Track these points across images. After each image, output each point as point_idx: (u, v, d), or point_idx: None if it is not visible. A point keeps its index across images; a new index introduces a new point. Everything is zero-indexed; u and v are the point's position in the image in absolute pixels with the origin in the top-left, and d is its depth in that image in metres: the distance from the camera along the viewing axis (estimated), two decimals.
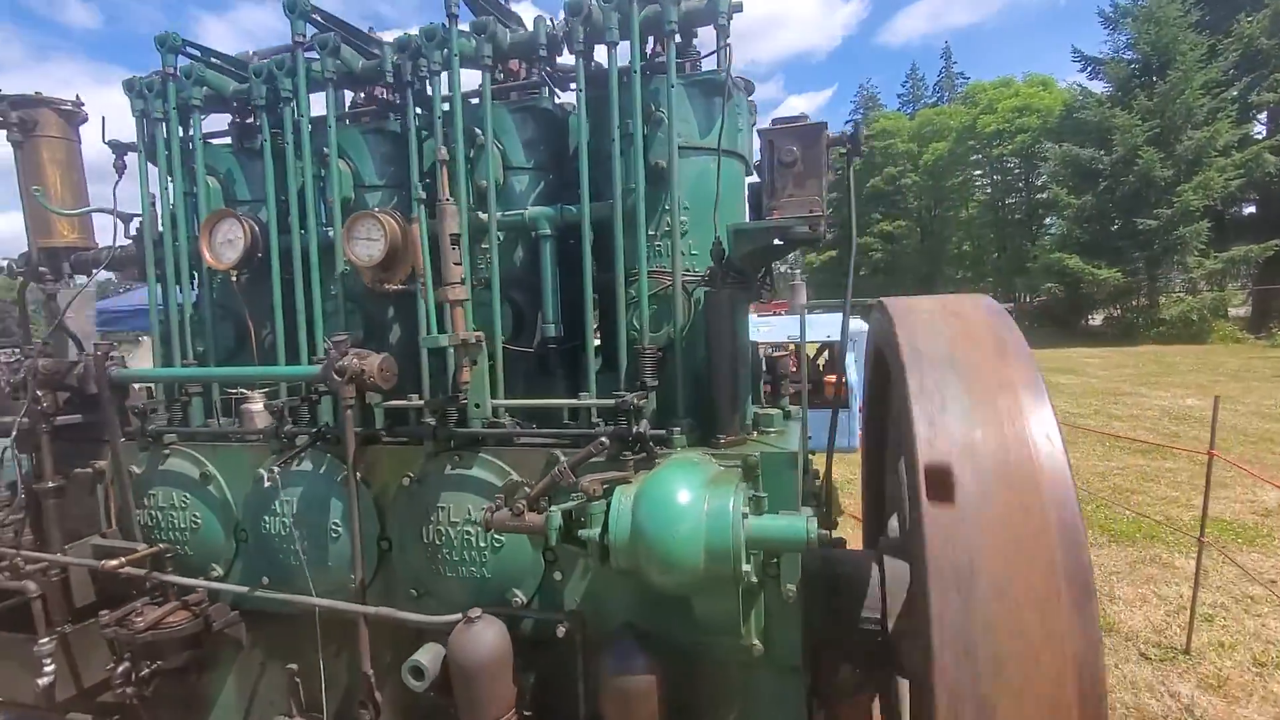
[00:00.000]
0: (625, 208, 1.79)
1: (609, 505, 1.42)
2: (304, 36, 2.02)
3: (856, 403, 6.92)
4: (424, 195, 1.91)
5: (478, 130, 1.89)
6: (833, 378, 8.21)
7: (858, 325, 6.24)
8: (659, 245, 1.82)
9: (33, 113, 2.22)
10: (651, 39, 1.87)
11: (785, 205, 1.60)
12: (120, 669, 1.93)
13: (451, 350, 1.81)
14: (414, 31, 1.96)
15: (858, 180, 2.06)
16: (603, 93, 1.77)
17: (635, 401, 1.63)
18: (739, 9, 1.77)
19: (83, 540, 2.09)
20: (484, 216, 1.90)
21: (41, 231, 2.27)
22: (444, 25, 1.85)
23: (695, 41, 1.93)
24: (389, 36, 2.10)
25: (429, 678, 1.63)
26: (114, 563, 1.94)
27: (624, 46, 1.77)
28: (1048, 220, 34.74)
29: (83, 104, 2.29)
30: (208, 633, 1.99)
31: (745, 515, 1.37)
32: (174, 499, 2.09)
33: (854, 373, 7.44)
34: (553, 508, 1.47)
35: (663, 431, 1.68)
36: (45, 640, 1.94)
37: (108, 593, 2.07)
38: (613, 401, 1.66)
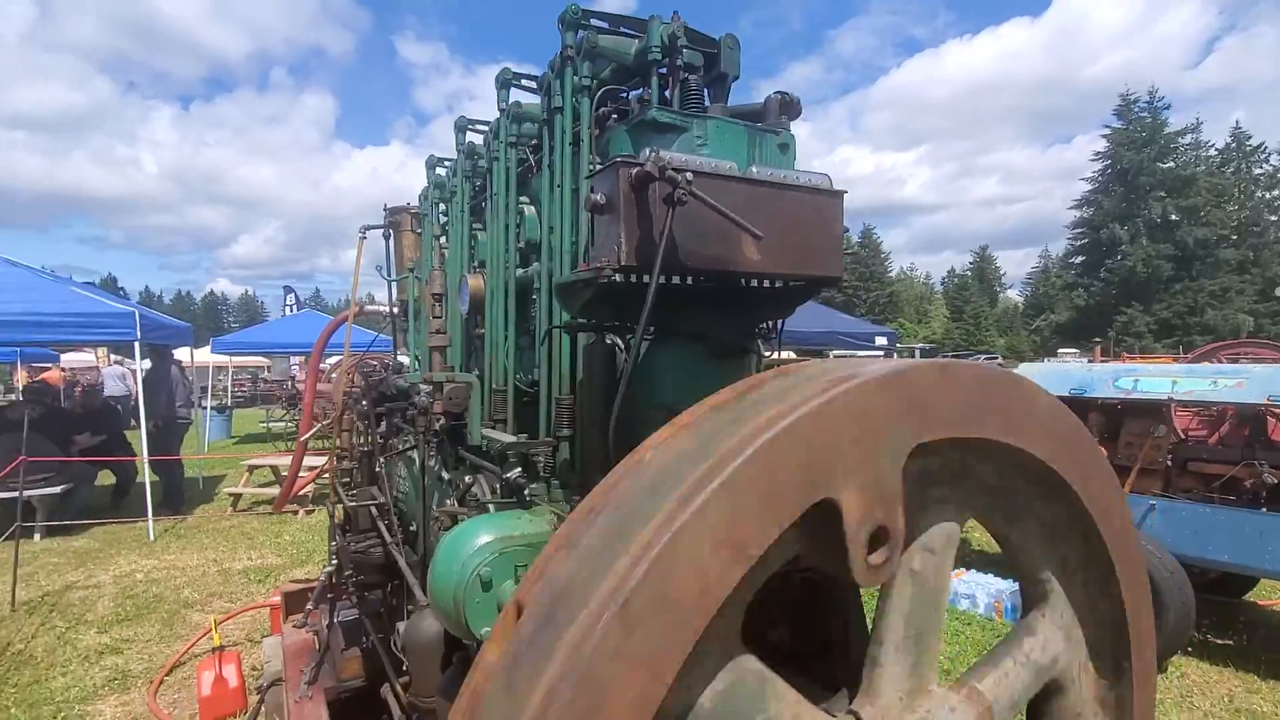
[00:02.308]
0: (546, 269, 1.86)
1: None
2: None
3: None
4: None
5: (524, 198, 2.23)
6: None
7: None
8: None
9: (397, 217, 3.60)
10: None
11: (597, 253, 1.41)
12: None
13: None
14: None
15: None
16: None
17: (519, 450, 1.70)
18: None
19: None
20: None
21: (399, 288, 3.66)
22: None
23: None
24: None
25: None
26: None
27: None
28: None
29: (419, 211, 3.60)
30: None
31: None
32: None
33: None
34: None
35: (523, 480, 1.69)
36: None
37: None
38: (509, 440, 1.77)
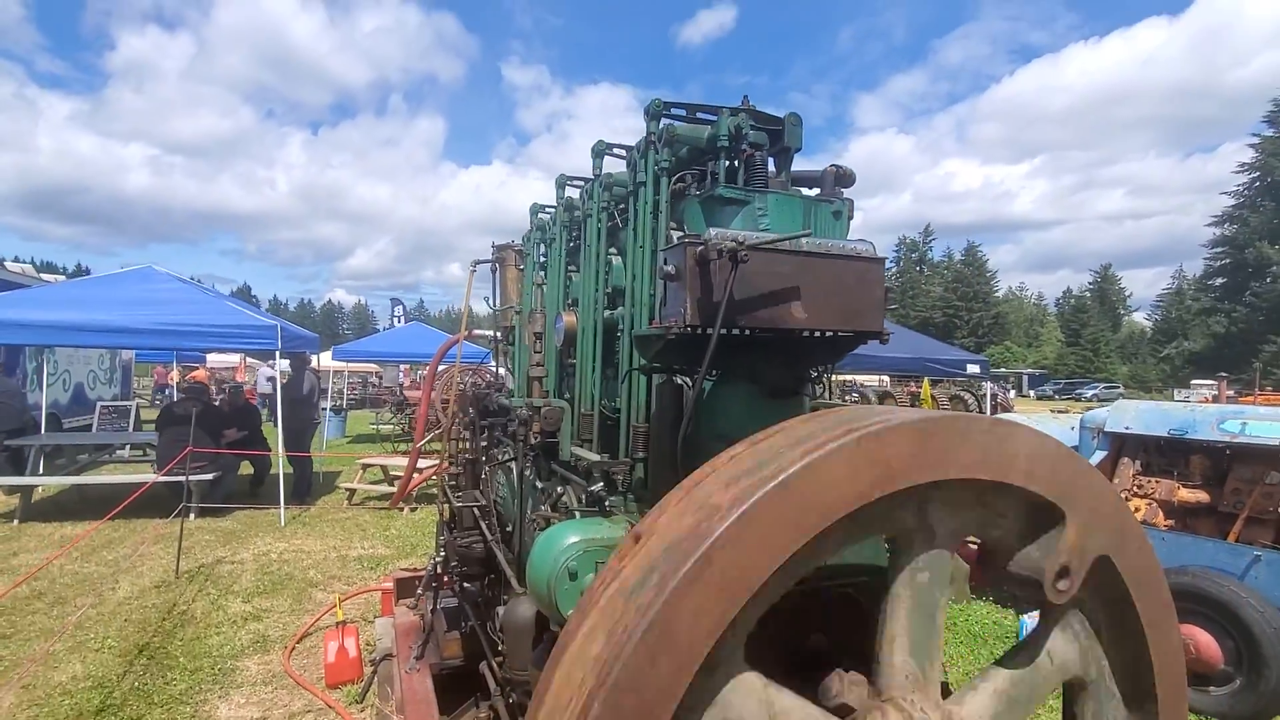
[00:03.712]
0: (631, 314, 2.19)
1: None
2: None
3: None
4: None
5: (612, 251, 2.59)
6: None
7: None
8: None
9: (503, 253, 4.08)
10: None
11: (667, 313, 1.71)
12: None
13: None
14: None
15: None
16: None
17: (602, 467, 2.04)
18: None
19: None
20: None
21: (503, 317, 4.14)
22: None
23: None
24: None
25: None
26: None
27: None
28: None
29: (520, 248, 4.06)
30: None
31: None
32: None
33: None
34: None
35: (604, 493, 2.01)
36: None
37: None
38: (594, 459, 2.11)
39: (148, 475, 9.00)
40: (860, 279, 1.82)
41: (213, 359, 27.77)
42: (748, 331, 1.88)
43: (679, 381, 1.98)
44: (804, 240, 1.82)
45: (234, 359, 28.13)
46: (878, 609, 1.93)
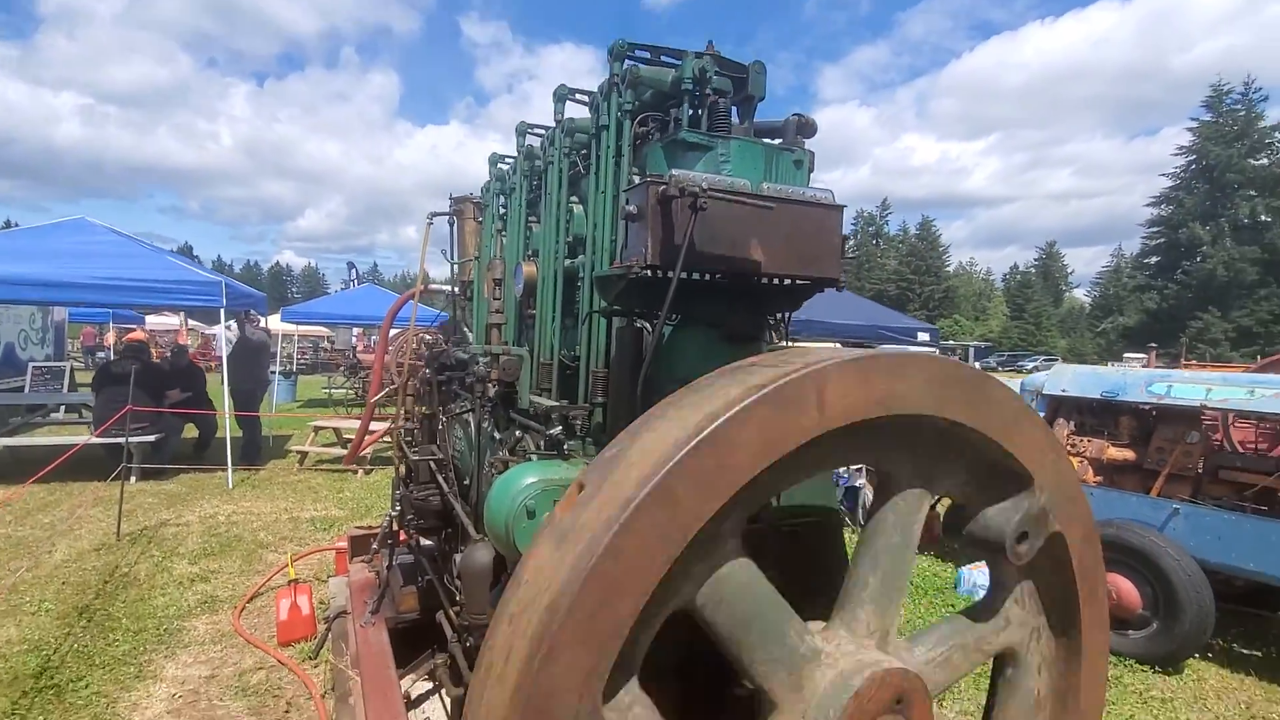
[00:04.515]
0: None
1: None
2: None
3: None
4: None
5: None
6: None
7: None
8: None
9: (460, 205, 3.98)
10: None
11: (628, 253, 1.71)
12: None
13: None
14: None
15: None
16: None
17: (561, 411, 2.05)
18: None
19: None
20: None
21: (461, 270, 4.06)
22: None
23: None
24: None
25: None
26: None
27: None
28: None
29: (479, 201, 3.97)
30: None
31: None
32: None
33: None
34: None
35: (563, 438, 2.03)
36: None
37: None
38: (548, 404, 2.12)
39: (84, 437, 8.62)
40: (819, 226, 1.84)
41: (152, 320, 26.54)
42: (708, 276, 1.90)
43: (639, 325, 1.98)
44: (765, 185, 1.83)
45: (174, 321, 26.91)
46: (827, 548, 2.00)
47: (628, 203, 1.73)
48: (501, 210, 3.29)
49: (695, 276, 1.87)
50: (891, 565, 1.29)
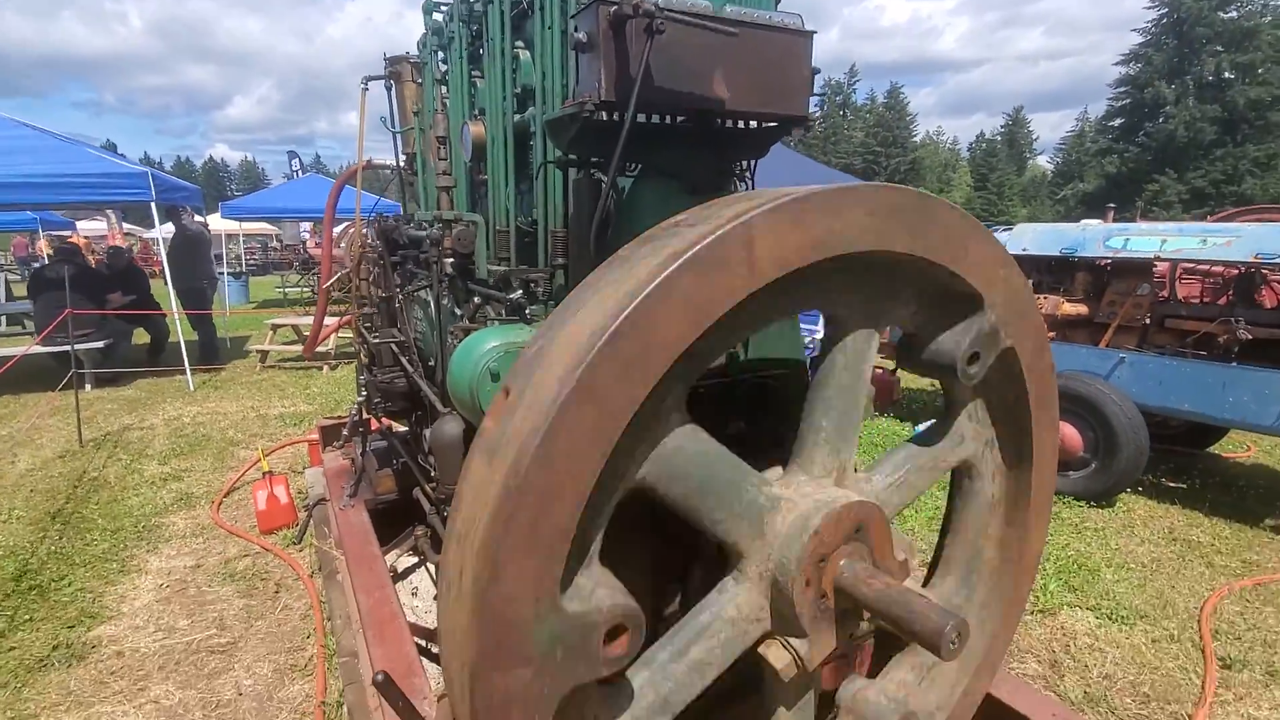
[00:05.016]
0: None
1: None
2: None
3: None
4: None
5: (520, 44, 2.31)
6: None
7: None
8: None
9: (397, 67, 3.63)
10: None
11: (580, 89, 1.56)
12: None
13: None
14: None
15: None
16: None
17: (520, 275, 1.96)
18: None
19: None
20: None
21: (405, 140, 3.76)
22: None
23: None
24: None
25: None
26: None
27: None
28: None
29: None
30: None
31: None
32: None
33: None
34: None
35: (524, 302, 1.96)
36: None
37: None
38: (506, 270, 2.02)
39: (28, 346, 8.24)
40: (786, 54, 1.70)
41: (83, 226, 24.84)
42: (668, 120, 1.76)
43: (597, 178, 1.85)
44: (728, 9, 1.66)
45: (104, 227, 25.24)
46: (794, 398, 2.01)
47: (576, 30, 1.55)
48: (442, 66, 2.99)
49: (655, 120, 1.74)
50: (844, 405, 1.29)
